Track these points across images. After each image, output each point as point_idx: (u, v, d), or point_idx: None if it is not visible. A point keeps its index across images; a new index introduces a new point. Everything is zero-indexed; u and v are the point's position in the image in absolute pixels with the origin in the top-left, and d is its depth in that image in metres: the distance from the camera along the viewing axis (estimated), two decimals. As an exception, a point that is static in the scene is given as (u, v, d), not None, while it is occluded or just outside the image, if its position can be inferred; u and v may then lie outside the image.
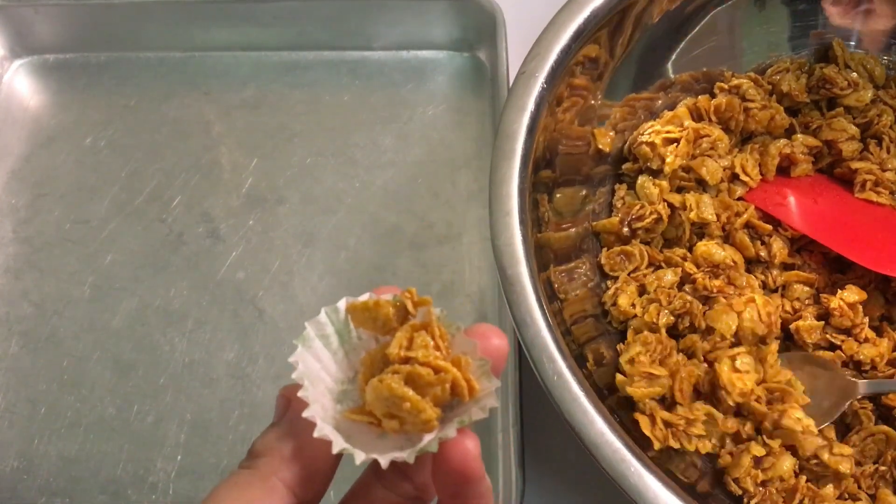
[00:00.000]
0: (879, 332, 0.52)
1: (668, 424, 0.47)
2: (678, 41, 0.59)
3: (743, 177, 0.56)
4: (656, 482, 0.42)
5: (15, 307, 0.60)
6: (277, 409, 0.29)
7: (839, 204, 0.56)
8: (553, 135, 0.52)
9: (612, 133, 0.57)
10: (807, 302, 0.53)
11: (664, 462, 0.47)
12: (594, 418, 0.43)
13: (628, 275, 0.54)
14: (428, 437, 0.27)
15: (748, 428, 0.48)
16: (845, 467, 0.47)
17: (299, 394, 0.28)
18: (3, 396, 0.57)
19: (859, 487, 0.49)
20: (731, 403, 0.48)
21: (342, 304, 0.30)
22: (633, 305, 0.53)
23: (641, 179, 0.56)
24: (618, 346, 0.52)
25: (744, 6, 0.59)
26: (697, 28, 0.58)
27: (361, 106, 0.66)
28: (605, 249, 0.55)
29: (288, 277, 0.60)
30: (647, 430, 0.47)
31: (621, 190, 0.57)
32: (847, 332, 0.51)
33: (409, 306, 0.28)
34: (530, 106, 0.49)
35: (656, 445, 0.47)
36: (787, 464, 0.48)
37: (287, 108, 0.66)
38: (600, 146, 0.57)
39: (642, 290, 0.53)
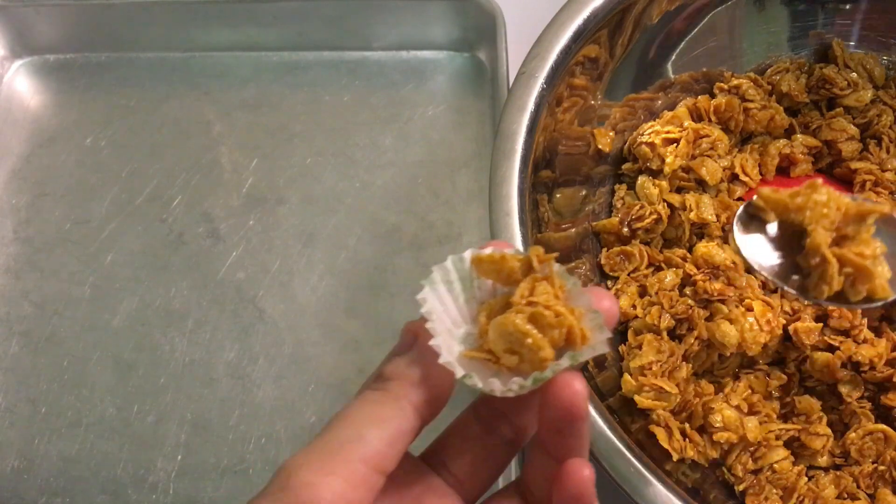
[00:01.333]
0: (878, 332, 0.52)
1: (684, 434, 0.48)
2: (678, 41, 0.59)
3: (743, 177, 0.56)
4: (656, 482, 0.42)
5: (15, 307, 0.60)
6: (404, 340, 0.31)
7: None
8: (553, 135, 0.52)
9: (611, 133, 0.57)
10: (806, 303, 0.53)
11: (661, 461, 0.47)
12: (594, 418, 0.43)
13: (628, 275, 0.54)
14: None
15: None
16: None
17: (427, 325, 0.29)
18: (3, 396, 0.57)
19: (858, 487, 0.49)
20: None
21: (467, 254, 0.31)
22: (634, 306, 0.53)
23: (641, 180, 0.56)
24: (620, 348, 0.52)
25: (743, 6, 0.59)
26: (697, 28, 0.58)
27: (361, 106, 0.66)
28: (604, 250, 0.55)
29: (288, 277, 0.60)
30: (665, 443, 0.47)
31: (621, 190, 0.57)
32: (846, 333, 0.51)
33: (535, 262, 0.30)
34: (530, 106, 0.49)
35: (675, 457, 0.47)
36: (779, 454, 0.48)
37: (287, 108, 0.66)
38: (600, 146, 0.57)
39: (643, 291, 0.53)
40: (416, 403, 0.29)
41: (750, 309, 0.50)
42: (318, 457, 0.27)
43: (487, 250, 0.30)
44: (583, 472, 0.28)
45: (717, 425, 0.48)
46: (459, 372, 0.29)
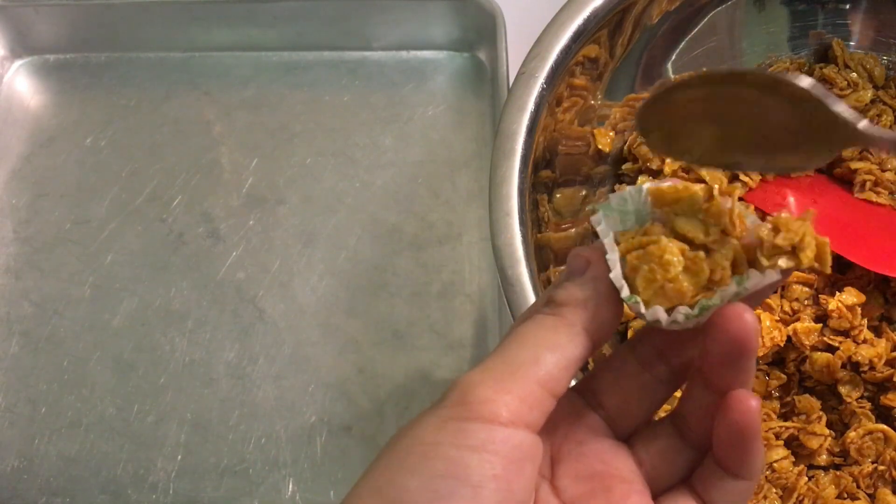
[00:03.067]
0: (878, 332, 0.52)
1: None
2: (678, 41, 0.59)
3: (743, 177, 0.56)
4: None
5: (15, 307, 0.60)
6: (576, 265, 0.30)
7: (839, 204, 0.56)
8: (553, 135, 0.52)
9: (612, 133, 0.57)
10: (806, 303, 0.53)
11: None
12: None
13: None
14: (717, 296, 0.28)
15: None
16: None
17: (604, 241, 0.29)
18: (3, 396, 0.57)
19: (858, 486, 0.49)
20: None
21: (645, 186, 0.31)
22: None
23: (641, 180, 0.56)
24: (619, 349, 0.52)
25: (743, 6, 0.59)
26: (697, 28, 0.58)
27: (361, 106, 0.66)
28: (604, 249, 0.55)
29: (288, 277, 0.60)
30: None
31: (621, 190, 0.57)
32: (845, 333, 0.51)
33: (716, 191, 0.29)
34: (530, 106, 0.49)
35: None
36: (778, 453, 0.48)
37: (287, 108, 0.66)
38: (600, 146, 0.57)
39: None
40: (589, 330, 0.29)
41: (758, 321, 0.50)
42: (496, 376, 0.27)
43: (667, 183, 0.30)
44: (749, 402, 0.28)
45: None
46: (625, 292, 0.28)
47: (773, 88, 0.27)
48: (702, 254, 0.28)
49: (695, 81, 0.28)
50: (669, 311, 0.29)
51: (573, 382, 0.31)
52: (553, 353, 0.28)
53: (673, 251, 0.28)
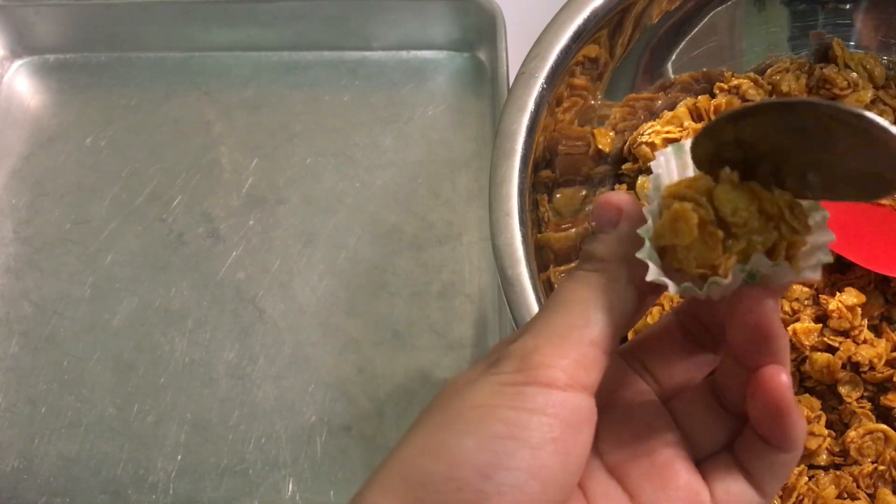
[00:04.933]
0: (878, 332, 0.52)
1: None
2: (678, 41, 0.59)
3: (743, 177, 0.56)
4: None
5: (15, 307, 0.60)
6: (607, 216, 0.30)
7: (839, 204, 0.55)
8: (553, 135, 0.52)
9: (612, 133, 0.57)
10: (806, 303, 0.53)
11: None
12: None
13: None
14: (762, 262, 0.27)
15: None
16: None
17: (651, 177, 0.28)
18: (3, 396, 0.57)
19: (858, 486, 0.49)
20: None
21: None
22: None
23: (641, 180, 0.56)
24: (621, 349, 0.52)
25: (744, 6, 0.59)
26: (697, 28, 0.58)
27: (361, 106, 0.66)
28: (604, 249, 0.55)
29: (288, 277, 0.60)
30: None
31: (621, 190, 0.57)
32: (845, 333, 0.51)
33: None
34: (530, 106, 0.49)
35: None
36: None
37: (287, 108, 0.66)
38: (600, 146, 0.57)
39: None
40: (636, 282, 0.28)
41: None
42: (549, 341, 0.27)
43: None
44: (779, 377, 0.27)
45: None
46: (643, 252, 0.27)
47: (834, 118, 0.26)
48: (720, 233, 0.27)
49: (751, 111, 0.27)
50: (680, 278, 0.28)
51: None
52: (603, 313, 0.27)
53: (688, 218, 0.27)
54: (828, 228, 0.28)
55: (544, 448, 0.26)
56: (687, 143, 0.29)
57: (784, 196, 0.27)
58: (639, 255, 0.27)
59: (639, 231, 0.28)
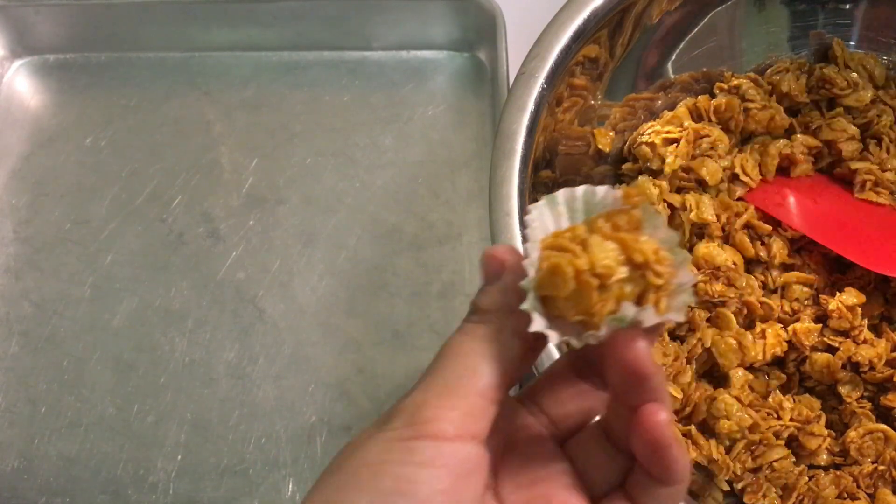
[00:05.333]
0: (878, 331, 0.52)
1: (687, 437, 0.48)
2: (678, 41, 0.59)
3: (743, 177, 0.56)
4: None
5: (15, 307, 0.60)
6: (490, 268, 0.31)
7: (839, 204, 0.56)
8: (553, 135, 0.52)
9: (612, 133, 0.57)
10: (806, 303, 0.53)
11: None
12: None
13: (628, 275, 0.54)
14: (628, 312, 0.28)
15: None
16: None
17: (527, 230, 0.29)
18: (3, 396, 0.57)
19: (858, 486, 0.49)
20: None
21: (602, 189, 0.31)
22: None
23: (641, 180, 0.56)
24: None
25: (744, 6, 0.59)
26: (697, 28, 0.58)
27: (361, 106, 0.66)
28: (604, 250, 0.55)
29: (288, 277, 0.60)
30: None
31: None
32: (845, 333, 0.51)
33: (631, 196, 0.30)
34: (530, 106, 0.49)
35: None
36: (778, 452, 0.48)
37: (287, 108, 0.66)
38: (600, 146, 0.57)
39: (642, 291, 0.53)
40: (518, 331, 0.29)
41: (763, 336, 0.50)
42: (437, 394, 0.28)
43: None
44: (658, 416, 0.28)
45: (720, 414, 0.48)
46: (526, 304, 0.28)
47: None
48: (594, 282, 0.28)
49: None
50: (562, 325, 0.29)
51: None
52: (489, 363, 0.28)
53: (564, 271, 0.28)
54: (689, 270, 0.29)
55: (434, 500, 0.27)
56: (559, 194, 0.31)
57: (649, 243, 0.29)
58: (523, 306, 0.28)
59: (521, 284, 0.29)
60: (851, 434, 0.49)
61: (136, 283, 0.60)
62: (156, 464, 0.55)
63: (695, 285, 0.50)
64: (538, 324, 0.28)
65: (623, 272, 0.28)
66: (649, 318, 0.28)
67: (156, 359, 0.58)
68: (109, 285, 0.60)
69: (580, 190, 0.31)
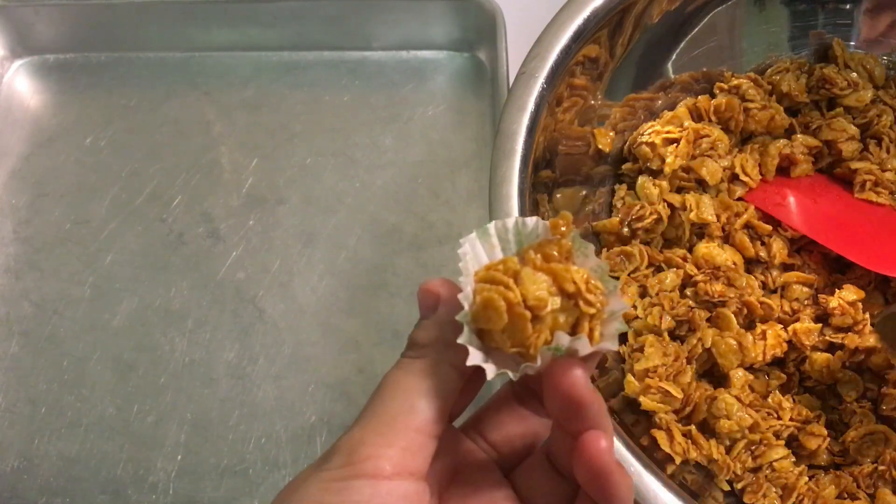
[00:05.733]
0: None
1: (687, 437, 0.48)
2: (678, 41, 0.59)
3: (743, 177, 0.56)
4: (656, 482, 0.42)
5: (15, 307, 0.60)
6: (426, 302, 0.31)
7: (839, 204, 0.56)
8: (553, 135, 0.52)
9: (612, 133, 0.57)
10: (806, 302, 0.53)
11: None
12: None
13: (628, 275, 0.54)
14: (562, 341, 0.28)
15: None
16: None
17: (461, 264, 0.30)
18: (3, 396, 0.57)
19: (858, 486, 0.49)
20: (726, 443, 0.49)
21: (532, 220, 0.31)
22: (634, 307, 0.53)
23: (641, 180, 0.56)
24: (620, 349, 0.52)
25: (744, 6, 0.59)
26: (697, 28, 0.58)
27: (361, 106, 0.66)
28: (605, 250, 0.55)
29: (288, 277, 0.60)
30: (666, 447, 0.47)
31: (621, 190, 0.57)
32: (848, 330, 0.51)
33: (560, 225, 0.30)
34: (530, 106, 0.49)
35: (677, 460, 0.47)
36: (778, 452, 0.48)
37: (287, 108, 0.66)
38: (600, 146, 0.57)
39: (643, 292, 0.53)
40: (455, 364, 0.29)
41: (763, 336, 0.50)
42: (375, 431, 0.28)
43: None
44: (598, 443, 0.28)
45: (721, 413, 0.48)
46: (462, 337, 0.29)
47: None
48: (527, 314, 0.28)
49: None
50: (500, 358, 0.29)
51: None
52: (426, 398, 0.29)
53: (497, 305, 0.28)
54: (620, 297, 0.30)
55: None
56: (491, 226, 0.31)
57: (580, 272, 0.29)
58: (460, 340, 0.29)
59: (457, 317, 0.29)
60: (851, 434, 0.49)
61: (136, 283, 0.60)
62: (156, 464, 0.55)
63: (625, 314, 0.51)
64: (475, 357, 0.28)
65: (555, 303, 0.28)
66: (584, 347, 0.28)
67: (156, 359, 0.58)
68: (109, 285, 0.60)
69: (511, 221, 0.31)
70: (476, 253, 0.31)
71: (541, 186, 0.51)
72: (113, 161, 0.64)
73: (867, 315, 0.51)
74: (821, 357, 0.50)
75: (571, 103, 0.54)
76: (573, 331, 0.29)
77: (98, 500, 0.54)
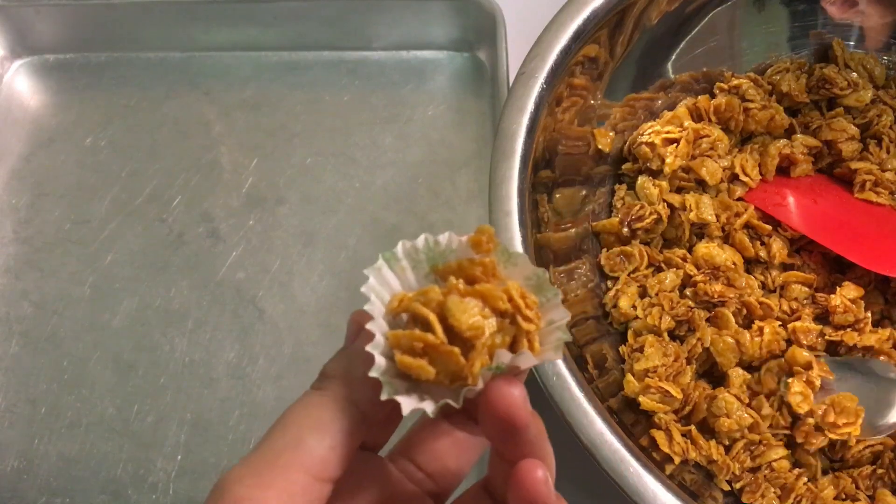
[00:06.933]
0: (879, 328, 0.52)
1: (685, 435, 0.48)
2: (678, 41, 0.59)
3: (743, 177, 0.56)
4: (655, 482, 0.42)
5: (15, 307, 0.60)
6: (349, 333, 0.29)
7: (839, 204, 0.56)
8: (553, 135, 0.52)
9: (611, 133, 0.57)
10: (805, 302, 0.53)
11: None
12: (594, 419, 0.43)
13: (628, 275, 0.54)
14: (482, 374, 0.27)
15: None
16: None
17: (366, 307, 0.28)
18: (3, 396, 0.57)
19: (857, 488, 0.49)
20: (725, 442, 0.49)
21: (444, 237, 0.29)
22: (634, 307, 0.53)
23: (641, 180, 0.56)
24: (620, 349, 0.52)
25: (743, 6, 0.59)
26: (697, 28, 0.58)
27: (361, 106, 0.66)
28: (604, 250, 0.55)
29: (288, 277, 0.60)
30: (665, 448, 0.47)
31: (621, 190, 0.57)
32: (849, 327, 0.51)
33: (482, 239, 0.28)
34: (530, 106, 0.49)
35: (676, 460, 0.47)
36: (777, 452, 0.48)
37: (287, 108, 0.66)
38: (600, 146, 0.57)
39: (643, 292, 0.53)
40: (359, 401, 0.27)
41: (760, 333, 0.50)
42: (255, 469, 0.25)
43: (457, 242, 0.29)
44: (535, 473, 0.26)
45: (721, 412, 0.48)
46: (374, 371, 0.26)
47: None
48: (456, 350, 0.26)
49: None
50: (437, 393, 0.27)
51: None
52: (318, 434, 0.26)
53: (421, 367, 0.26)
54: (562, 306, 0.28)
55: None
56: (398, 249, 0.29)
57: (513, 287, 0.27)
58: (372, 373, 0.26)
59: (370, 373, 0.26)
60: (853, 450, 0.49)
61: (136, 283, 0.60)
62: (156, 464, 0.55)
63: (625, 313, 0.50)
64: (390, 392, 0.26)
65: (492, 325, 0.27)
66: (527, 360, 0.27)
67: (156, 359, 0.58)
68: (109, 285, 0.60)
69: (420, 241, 0.29)
70: (386, 282, 0.29)
71: (540, 186, 0.51)
72: (113, 161, 0.64)
73: (868, 314, 0.51)
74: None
75: (571, 103, 0.54)
76: (512, 346, 0.27)
77: (98, 500, 0.54)
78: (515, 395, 0.26)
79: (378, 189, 0.63)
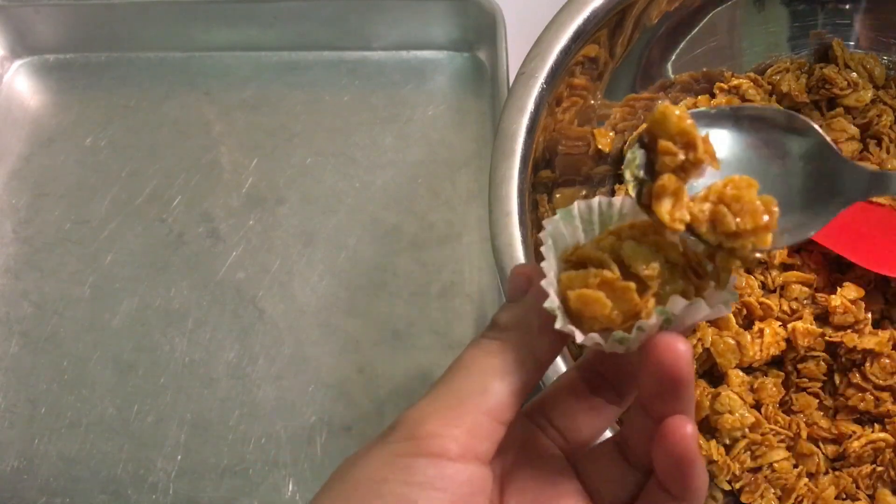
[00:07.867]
0: (879, 328, 0.52)
1: None
2: (678, 41, 0.59)
3: (742, 177, 0.56)
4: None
5: (15, 307, 0.60)
6: (516, 285, 0.30)
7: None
8: (553, 135, 0.52)
9: (611, 133, 0.57)
10: (805, 302, 0.53)
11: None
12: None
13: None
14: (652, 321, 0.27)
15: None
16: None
17: (542, 249, 0.28)
18: (3, 396, 0.57)
19: (857, 487, 0.49)
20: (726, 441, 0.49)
21: (619, 199, 0.30)
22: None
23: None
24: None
25: (743, 6, 0.59)
26: (697, 28, 0.58)
27: (361, 106, 0.66)
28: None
29: (288, 277, 0.60)
30: None
31: (621, 190, 0.57)
32: (849, 328, 0.51)
33: (668, 220, 0.28)
34: (530, 106, 0.49)
35: None
36: (779, 454, 0.48)
37: (287, 108, 0.66)
38: (600, 146, 0.57)
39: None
40: (536, 352, 0.28)
41: (760, 335, 0.50)
42: (444, 408, 0.27)
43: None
44: (685, 428, 0.27)
45: (724, 409, 0.48)
46: (559, 322, 0.27)
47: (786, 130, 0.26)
48: (632, 284, 0.27)
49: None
50: (605, 333, 0.28)
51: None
52: (500, 381, 0.27)
53: (598, 298, 0.27)
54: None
55: None
56: (575, 207, 0.30)
57: (683, 242, 0.28)
58: (557, 326, 0.27)
59: (545, 306, 0.27)
60: (854, 445, 0.49)
61: (136, 283, 0.60)
62: (156, 464, 0.55)
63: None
64: (579, 337, 0.27)
65: (664, 274, 0.27)
66: (699, 310, 0.27)
67: (156, 359, 0.58)
68: (109, 285, 0.60)
69: (595, 202, 0.30)
70: (561, 235, 0.30)
71: (540, 186, 0.51)
72: (113, 161, 0.64)
73: (868, 315, 0.51)
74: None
75: (571, 103, 0.54)
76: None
77: (98, 500, 0.54)
78: (683, 351, 0.26)
79: (378, 189, 0.63)
